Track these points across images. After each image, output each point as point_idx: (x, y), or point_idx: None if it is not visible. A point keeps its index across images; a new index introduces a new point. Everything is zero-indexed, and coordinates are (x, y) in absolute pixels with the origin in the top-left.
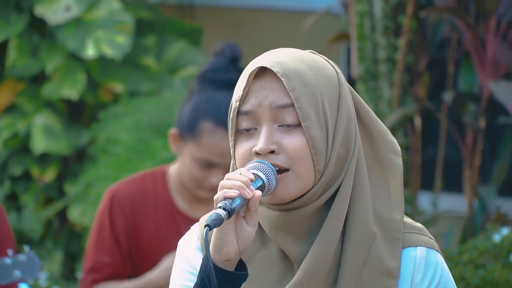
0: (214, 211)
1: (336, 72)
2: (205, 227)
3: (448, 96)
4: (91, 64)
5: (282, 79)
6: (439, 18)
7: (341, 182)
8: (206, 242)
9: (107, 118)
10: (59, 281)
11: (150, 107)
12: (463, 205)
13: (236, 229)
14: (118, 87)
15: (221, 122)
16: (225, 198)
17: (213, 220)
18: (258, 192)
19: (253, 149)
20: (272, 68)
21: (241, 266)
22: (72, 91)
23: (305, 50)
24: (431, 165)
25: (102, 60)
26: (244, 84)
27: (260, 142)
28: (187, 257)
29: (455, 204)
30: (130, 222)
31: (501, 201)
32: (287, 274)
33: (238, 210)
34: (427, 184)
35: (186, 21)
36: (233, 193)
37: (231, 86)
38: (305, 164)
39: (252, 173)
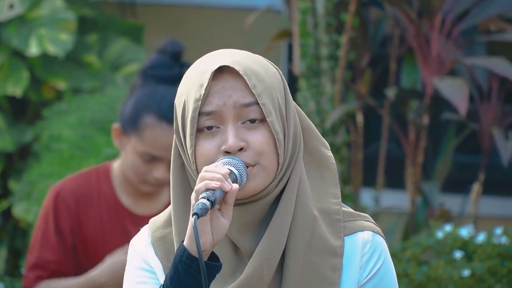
0: (199, 201)
1: (276, 69)
2: (193, 215)
3: (390, 93)
4: (34, 62)
5: (245, 77)
6: (382, 15)
7: (290, 175)
8: (195, 230)
9: (51, 115)
10: (3, 278)
11: (93, 104)
12: (406, 201)
13: (212, 221)
14: (61, 84)
15: (163, 116)
16: (207, 189)
17: (200, 209)
18: (236, 186)
19: (222, 148)
20: (234, 67)
21: (213, 258)
22: (16, 88)
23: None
24: (373, 162)
25: (44, 57)
26: (206, 84)
27: (229, 140)
28: (139, 254)
29: (398, 200)
30: (74, 219)
31: (444, 197)
32: (238, 268)
33: (218, 202)
34: (369, 180)
35: (128, 18)
36: (214, 184)
37: (173, 81)
38: (270, 158)
39: (228, 168)
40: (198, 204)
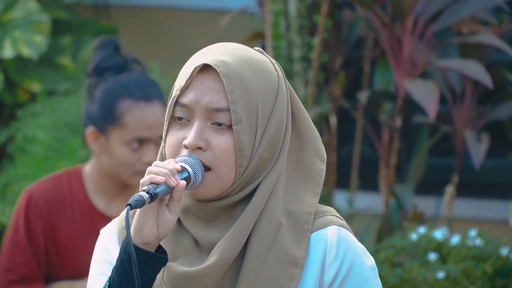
0: (138, 193)
1: (278, 77)
2: (126, 206)
3: (363, 95)
4: (9, 64)
5: (224, 80)
6: (355, 17)
7: (262, 181)
8: (127, 220)
9: (25, 117)
10: None
11: (67, 106)
12: (379, 203)
13: (158, 215)
14: (36, 86)
15: (138, 97)
16: (150, 183)
17: (135, 200)
18: (183, 182)
19: (183, 142)
20: (216, 68)
21: (161, 252)
22: None
23: (254, 48)
24: (347, 164)
25: (18, 59)
26: (188, 77)
27: (190, 137)
28: (103, 244)
29: (371, 202)
30: (47, 222)
31: (418, 199)
32: (198, 261)
33: (161, 196)
34: (343, 182)
35: (102, 21)
36: (159, 179)
37: (125, 68)
38: (228, 166)
39: (180, 165)
40: (135, 196)
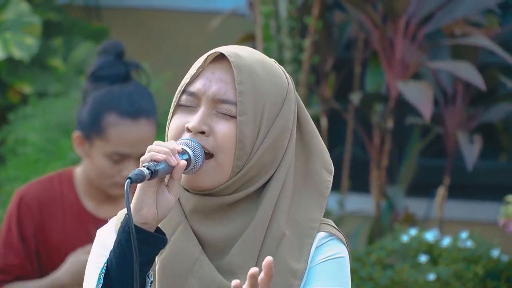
0: (138, 168)
1: (288, 84)
2: (126, 179)
3: (355, 97)
4: (0, 66)
5: (234, 70)
6: (346, 19)
7: (265, 188)
8: (127, 193)
9: (16, 119)
10: None
11: (58, 107)
12: (371, 205)
13: (158, 194)
14: (27, 88)
15: (125, 113)
16: (151, 160)
17: (136, 174)
18: (183, 162)
19: (186, 125)
20: (228, 57)
21: (159, 233)
22: None
23: (270, 59)
24: (338, 166)
25: (9, 61)
26: (199, 65)
27: (194, 120)
28: (102, 241)
29: (363, 204)
30: (38, 224)
31: (409, 201)
32: (197, 253)
33: (161, 175)
34: (334, 184)
35: (93, 22)
36: (159, 156)
37: (124, 79)
38: (228, 155)
39: (181, 147)
40: (135, 170)
